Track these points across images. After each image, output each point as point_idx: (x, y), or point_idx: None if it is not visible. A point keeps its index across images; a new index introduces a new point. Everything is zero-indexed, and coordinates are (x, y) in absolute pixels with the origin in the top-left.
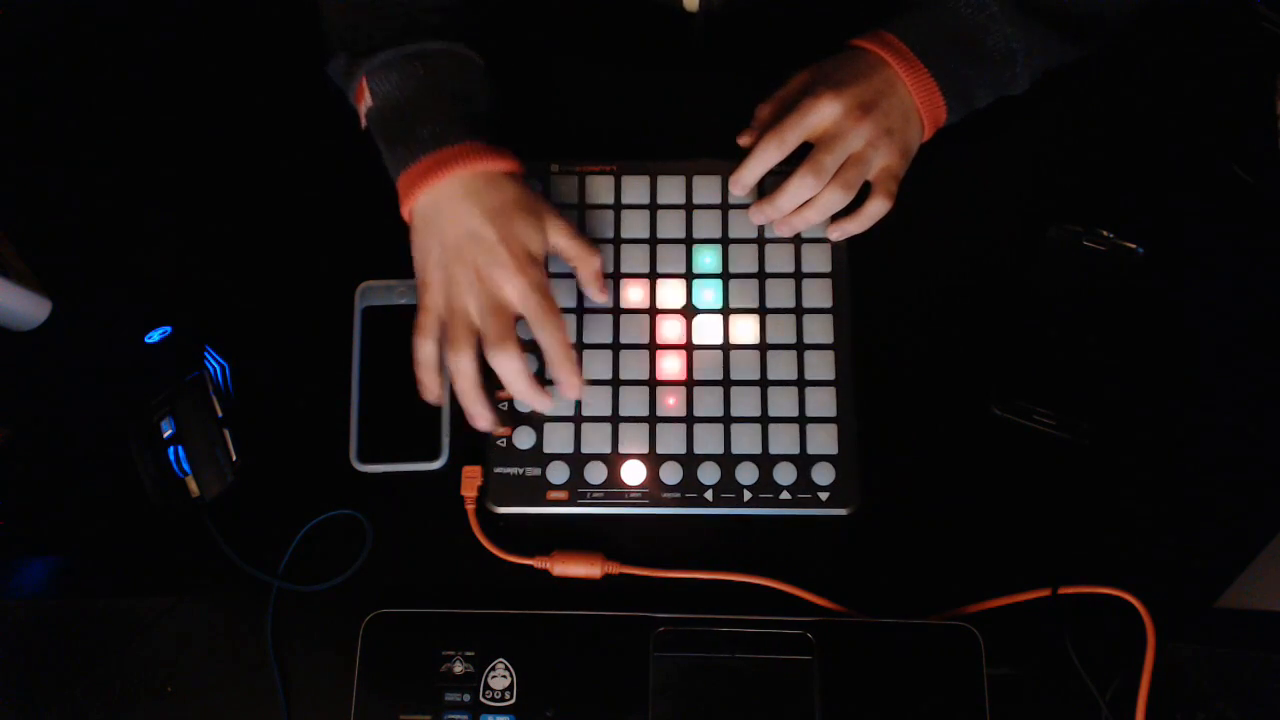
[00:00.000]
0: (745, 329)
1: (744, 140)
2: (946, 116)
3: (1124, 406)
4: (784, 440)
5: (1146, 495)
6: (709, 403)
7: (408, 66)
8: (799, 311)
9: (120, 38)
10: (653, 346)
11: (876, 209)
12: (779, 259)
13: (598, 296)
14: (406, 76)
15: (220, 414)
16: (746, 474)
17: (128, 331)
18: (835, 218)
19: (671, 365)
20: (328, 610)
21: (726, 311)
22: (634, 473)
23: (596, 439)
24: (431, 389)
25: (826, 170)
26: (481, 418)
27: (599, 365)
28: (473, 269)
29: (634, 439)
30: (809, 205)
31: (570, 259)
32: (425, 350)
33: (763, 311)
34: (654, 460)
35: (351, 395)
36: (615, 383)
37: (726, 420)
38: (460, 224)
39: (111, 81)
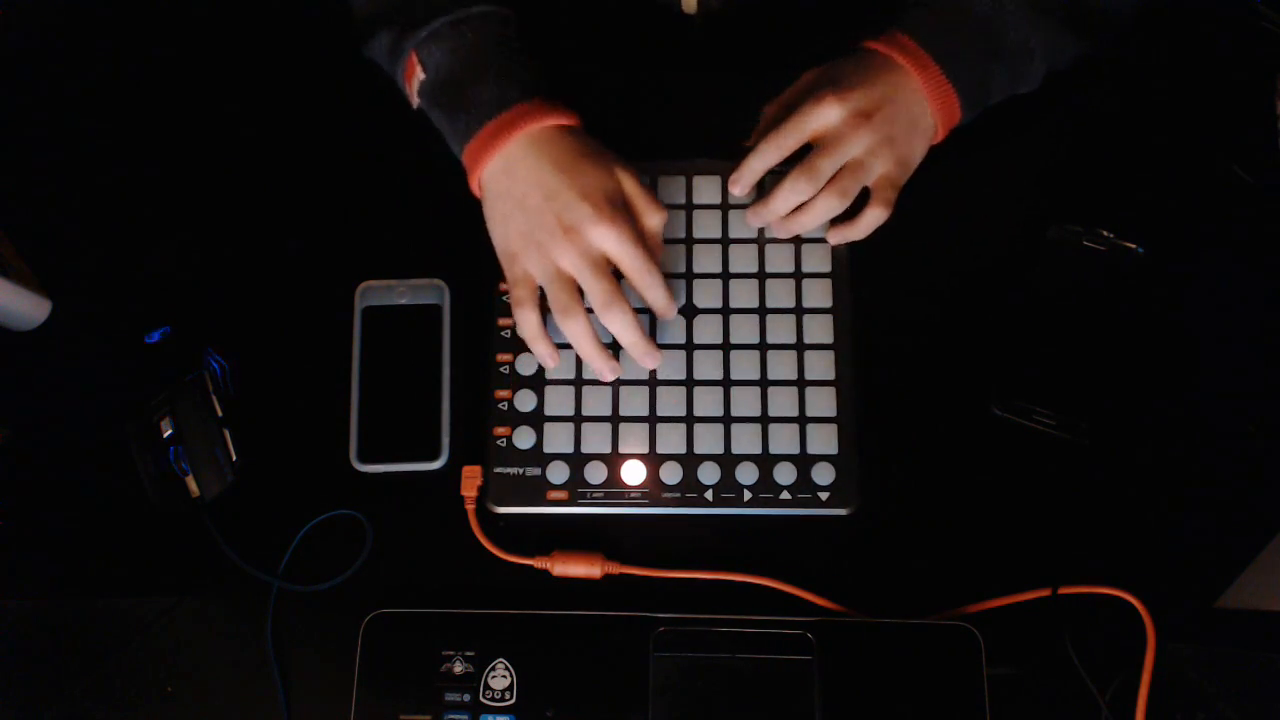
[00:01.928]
0: (745, 329)
1: (752, 143)
2: (961, 117)
3: (1124, 406)
4: (784, 440)
5: (1146, 495)
6: (709, 403)
7: (456, 34)
8: (799, 311)
9: (120, 38)
10: None
11: (874, 218)
12: (779, 259)
13: (654, 252)
14: (458, 43)
15: (220, 414)
16: (746, 474)
17: (128, 331)
18: (834, 222)
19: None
20: (328, 610)
21: (726, 311)
22: (634, 473)
23: (596, 439)
24: (550, 356)
25: (821, 174)
26: (614, 370)
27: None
28: (559, 228)
29: (634, 439)
30: (804, 210)
31: (634, 209)
32: (529, 321)
33: (763, 311)
34: (654, 460)
35: (351, 395)
36: (615, 382)
37: (726, 420)
38: (535, 185)
39: (111, 81)
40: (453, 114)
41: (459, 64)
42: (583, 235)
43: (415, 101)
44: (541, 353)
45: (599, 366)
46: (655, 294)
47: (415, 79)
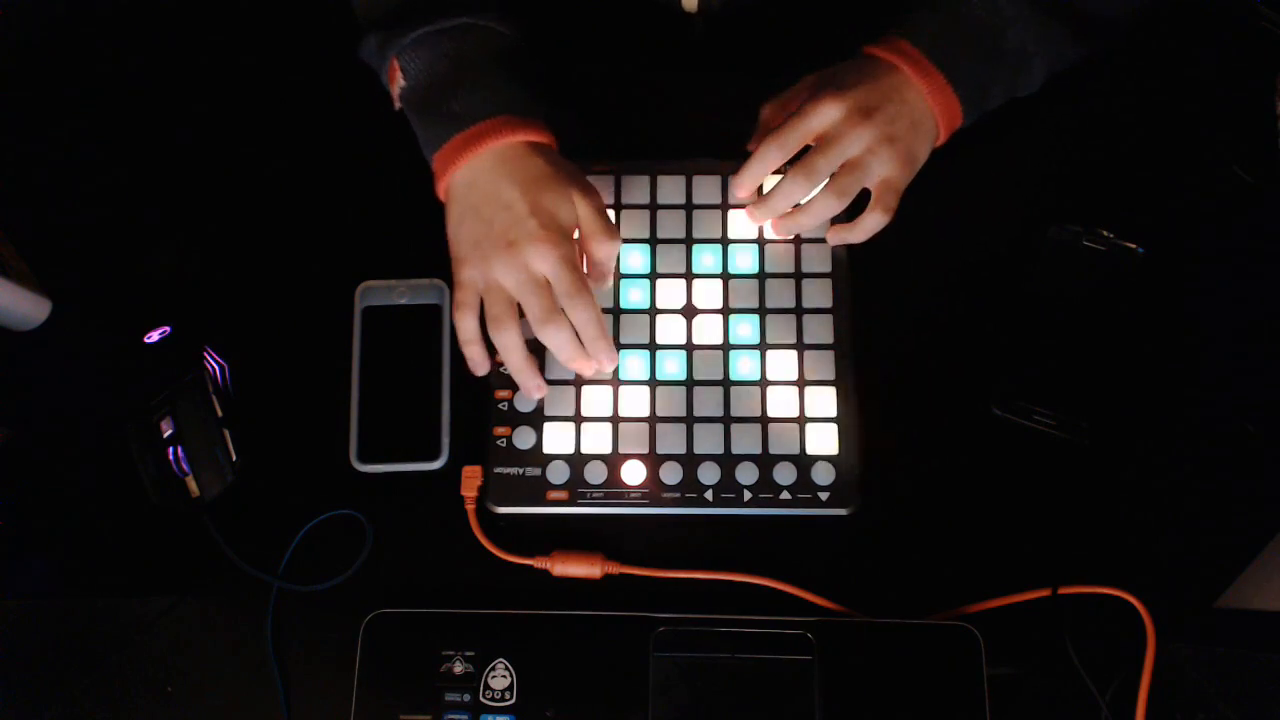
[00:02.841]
0: (745, 329)
1: (753, 146)
2: (962, 119)
3: (1124, 407)
4: (784, 440)
5: (1146, 495)
6: (709, 403)
7: (438, 43)
8: (799, 311)
9: (120, 37)
10: (653, 347)
11: (873, 222)
12: (779, 259)
13: (595, 283)
14: (438, 54)
15: (220, 414)
16: (746, 474)
17: (128, 331)
18: (835, 223)
19: (672, 365)
20: (328, 610)
21: (726, 311)
22: (634, 473)
23: (596, 439)
24: (480, 362)
25: (819, 173)
26: (537, 388)
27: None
28: (503, 242)
29: (634, 439)
30: (803, 209)
31: (586, 234)
32: (467, 326)
33: (763, 311)
34: (654, 460)
35: (351, 395)
36: (615, 383)
37: (726, 420)
38: (492, 197)
39: (111, 82)
40: (426, 121)
41: (437, 74)
42: (521, 252)
43: (397, 104)
44: (473, 357)
45: (524, 382)
46: (582, 318)
47: (396, 84)
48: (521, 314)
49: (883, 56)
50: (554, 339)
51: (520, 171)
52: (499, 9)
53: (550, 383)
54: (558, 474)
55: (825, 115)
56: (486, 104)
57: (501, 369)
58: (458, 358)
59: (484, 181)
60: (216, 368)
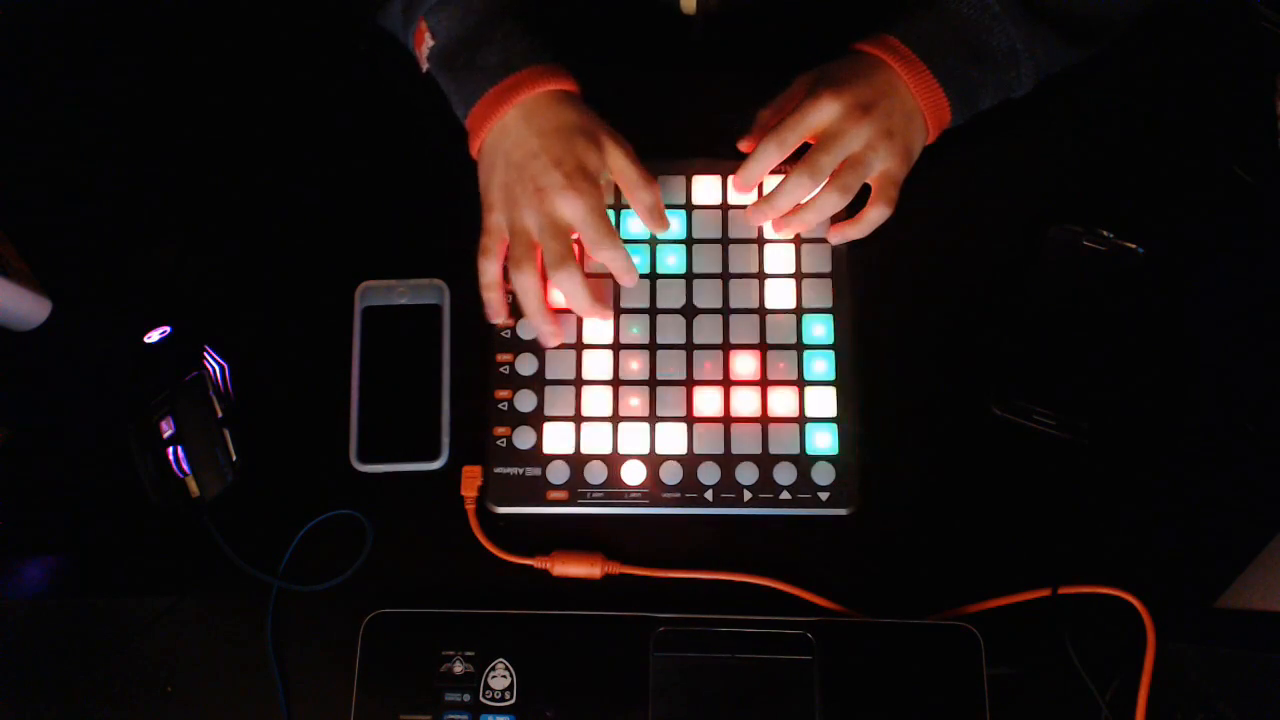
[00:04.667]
0: (745, 328)
1: (744, 145)
2: (951, 118)
3: (1124, 407)
4: (784, 440)
5: (1146, 495)
6: (709, 403)
7: (464, 0)
8: (799, 311)
9: (120, 37)
10: (653, 347)
11: (876, 215)
12: (779, 259)
13: (655, 228)
14: (465, 10)
15: (220, 414)
16: (746, 474)
17: (128, 331)
18: (835, 221)
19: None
20: (328, 610)
21: (726, 311)
22: (634, 473)
23: (596, 439)
24: (497, 308)
25: (823, 170)
26: (553, 335)
27: (599, 365)
28: (532, 188)
29: (634, 439)
30: (806, 207)
31: (624, 185)
32: (489, 270)
33: (763, 312)
34: (654, 460)
35: (351, 395)
36: (615, 383)
37: (726, 420)
38: (522, 145)
39: (111, 81)
40: (459, 79)
41: (466, 30)
42: (549, 198)
43: (425, 66)
44: (491, 301)
45: (540, 327)
46: (612, 257)
47: (425, 45)
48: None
49: (872, 53)
50: (566, 283)
51: (551, 120)
52: None
53: (550, 383)
54: (558, 474)
55: (824, 112)
56: (518, 56)
57: (505, 333)
58: (458, 358)
59: (516, 130)
60: (216, 368)
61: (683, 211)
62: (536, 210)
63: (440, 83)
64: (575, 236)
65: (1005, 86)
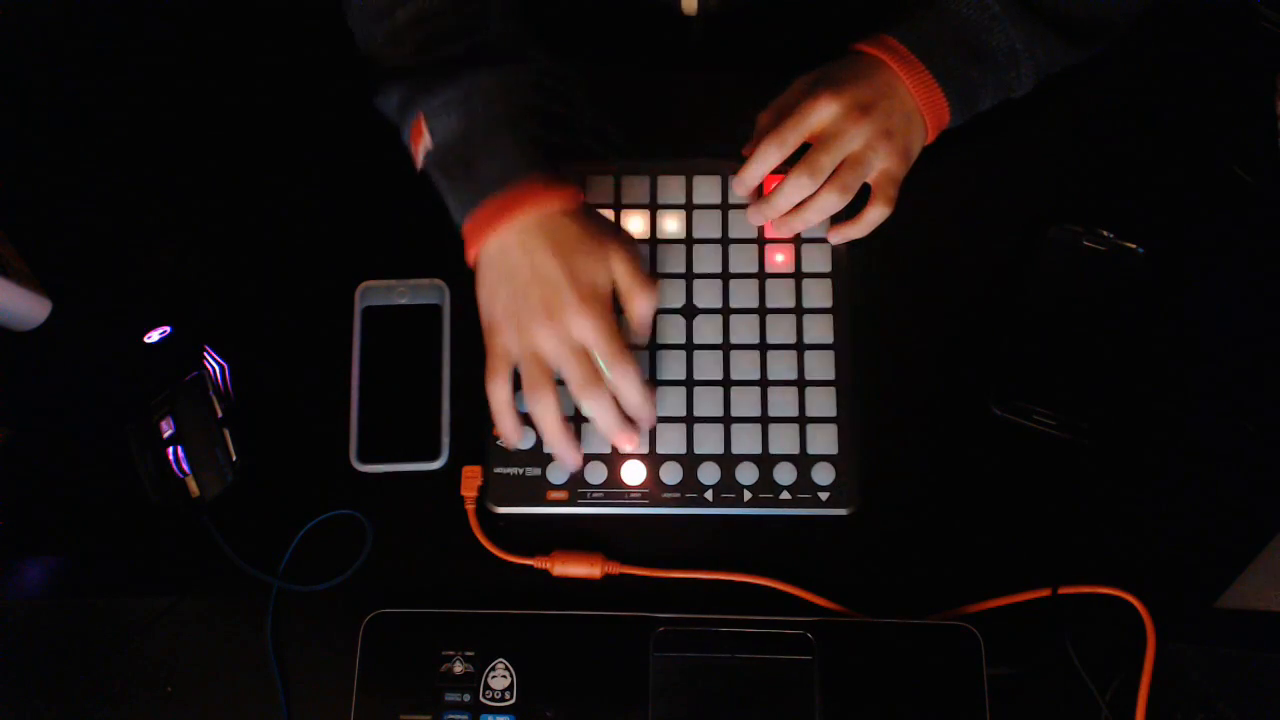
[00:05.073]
0: (745, 329)
1: (748, 151)
2: (950, 118)
3: (1124, 407)
4: (784, 440)
5: (1146, 495)
6: (709, 403)
7: (468, 104)
8: (799, 311)
9: (120, 37)
10: (653, 347)
11: (876, 214)
12: (779, 259)
13: (635, 337)
14: (468, 114)
15: (220, 414)
16: (746, 474)
17: (128, 331)
18: (835, 221)
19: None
20: (328, 610)
21: (726, 311)
22: (634, 473)
23: (596, 439)
24: (513, 433)
25: (822, 170)
26: (574, 458)
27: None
28: (542, 310)
29: None
30: (806, 206)
31: (623, 295)
32: (501, 395)
33: (763, 311)
34: (654, 460)
35: (351, 395)
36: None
37: (726, 420)
38: (527, 266)
39: (111, 81)
40: (455, 185)
41: (467, 136)
42: (563, 322)
43: (420, 164)
44: (506, 428)
45: (560, 450)
46: (627, 389)
47: (422, 144)
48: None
49: (871, 53)
50: (594, 407)
51: (554, 237)
52: (527, 42)
53: None
54: (558, 474)
55: (823, 113)
56: (520, 168)
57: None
58: (458, 358)
59: (517, 248)
60: (216, 368)
61: (683, 211)
62: (550, 333)
63: (435, 185)
64: None
65: (1005, 87)
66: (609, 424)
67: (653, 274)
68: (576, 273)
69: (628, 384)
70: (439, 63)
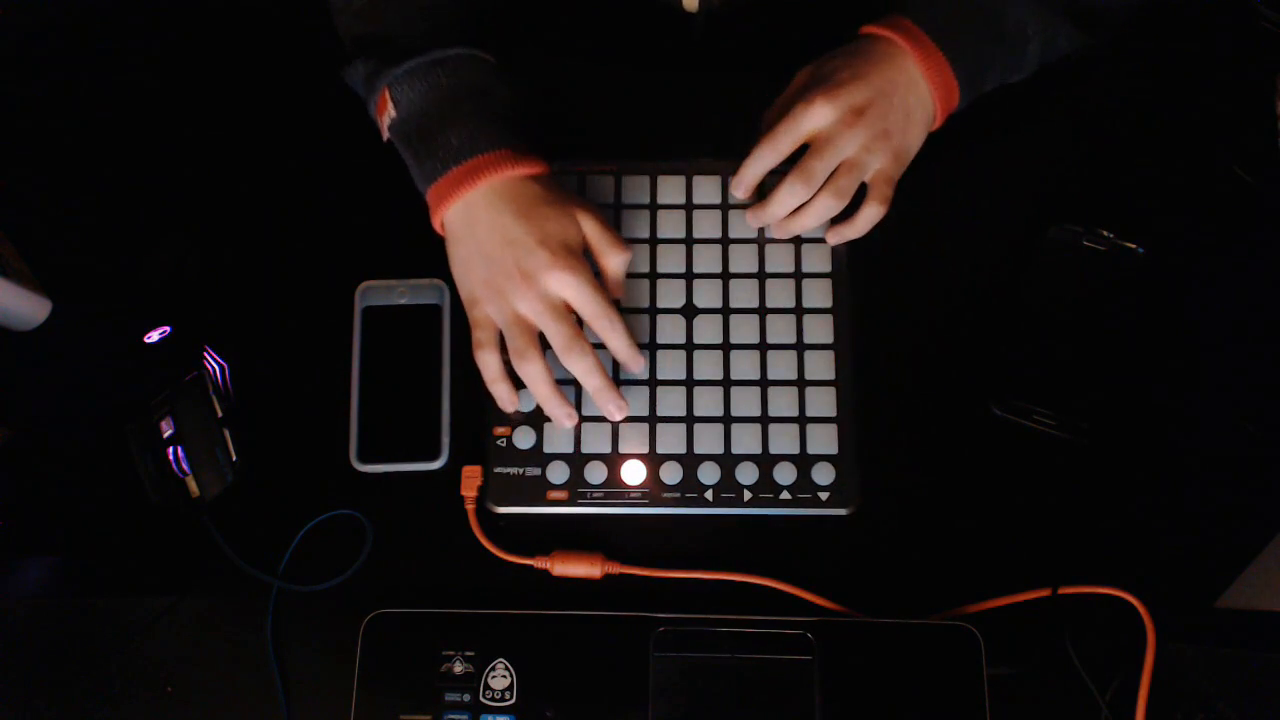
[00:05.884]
0: (745, 329)
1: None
2: (959, 101)
3: (1124, 407)
4: (784, 440)
5: (1146, 495)
6: (709, 403)
7: (431, 75)
8: (799, 311)
9: (120, 38)
10: (653, 347)
11: (871, 215)
12: (779, 259)
13: (613, 293)
14: (431, 86)
15: (220, 414)
16: (746, 474)
17: (128, 331)
18: (833, 222)
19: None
20: (328, 610)
21: (726, 311)
22: (634, 473)
23: (596, 439)
24: (508, 399)
25: (816, 176)
26: (569, 417)
27: None
28: (517, 273)
29: (634, 439)
30: (803, 212)
31: (595, 251)
32: (491, 364)
33: (763, 311)
34: (654, 460)
35: (351, 395)
36: (615, 383)
37: (726, 420)
38: (495, 231)
39: (112, 82)
40: (419, 156)
41: (430, 106)
42: (540, 281)
43: (385, 135)
44: (501, 395)
45: (554, 411)
46: (614, 339)
47: (386, 115)
48: (545, 345)
49: (882, 34)
50: (580, 366)
51: (520, 202)
52: (490, 37)
53: None
54: (558, 474)
55: (817, 117)
56: (482, 138)
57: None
58: (458, 358)
59: (484, 216)
60: (216, 368)
61: (683, 211)
62: (528, 295)
63: (401, 154)
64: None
65: (1009, 70)
66: (596, 384)
67: (651, 274)
68: (546, 232)
69: (613, 333)
70: (406, 35)
